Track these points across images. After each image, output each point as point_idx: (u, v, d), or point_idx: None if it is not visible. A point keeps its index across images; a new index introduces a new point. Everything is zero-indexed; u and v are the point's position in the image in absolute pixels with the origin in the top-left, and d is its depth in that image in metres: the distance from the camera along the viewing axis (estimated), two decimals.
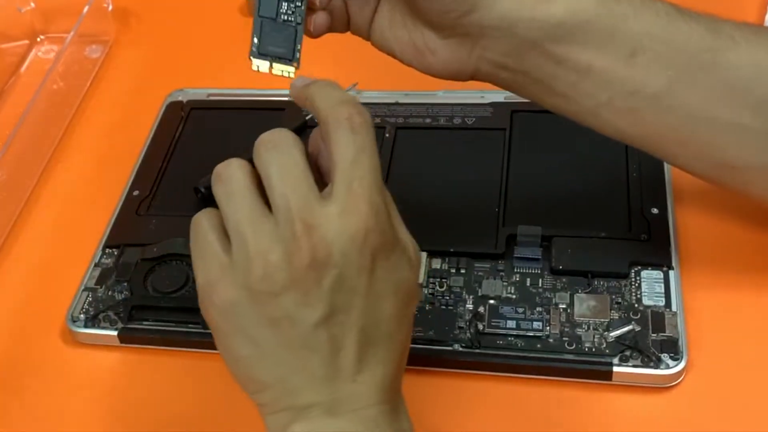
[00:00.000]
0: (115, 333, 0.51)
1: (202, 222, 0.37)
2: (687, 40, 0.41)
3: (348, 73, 0.56)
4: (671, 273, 0.48)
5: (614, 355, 0.45)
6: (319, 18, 0.43)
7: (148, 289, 0.52)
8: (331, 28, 0.44)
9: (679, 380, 0.45)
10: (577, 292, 0.48)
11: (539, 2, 0.40)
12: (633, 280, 0.48)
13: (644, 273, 0.49)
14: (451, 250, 0.51)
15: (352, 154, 0.36)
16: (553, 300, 0.48)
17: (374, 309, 0.36)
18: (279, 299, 0.35)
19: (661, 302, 0.47)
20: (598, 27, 0.40)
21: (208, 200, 0.56)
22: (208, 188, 0.56)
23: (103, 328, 0.51)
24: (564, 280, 0.49)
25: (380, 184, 0.36)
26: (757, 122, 0.41)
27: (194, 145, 0.61)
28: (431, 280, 0.50)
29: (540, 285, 0.49)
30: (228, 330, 0.36)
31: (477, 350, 0.47)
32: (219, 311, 0.36)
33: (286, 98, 0.61)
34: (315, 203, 0.35)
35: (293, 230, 0.34)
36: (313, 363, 0.35)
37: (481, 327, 0.47)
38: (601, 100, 0.42)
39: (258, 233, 0.35)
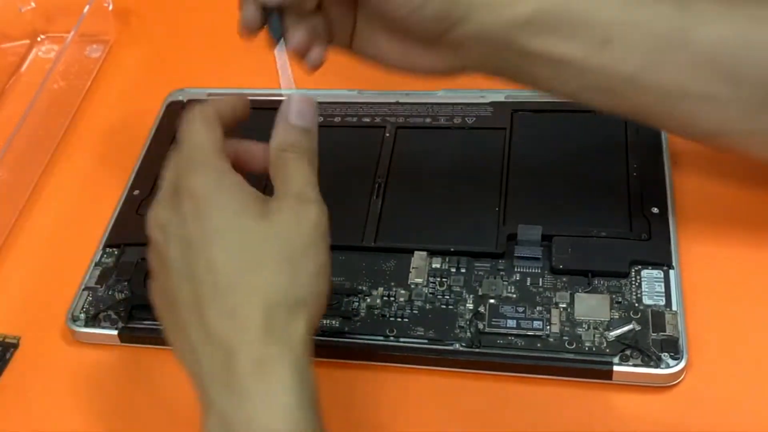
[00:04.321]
0: (115, 332, 0.51)
1: None
2: (655, 21, 0.42)
3: (349, 73, 0.55)
4: (672, 272, 0.48)
5: (614, 355, 0.45)
6: (298, 34, 0.45)
7: (148, 288, 0.51)
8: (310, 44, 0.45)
9: (679, 380, 0.45)
10: (578, 292, 0.48)
11: (509, 5, 0.42)
12: (633, 279, 0.48)
13: (644, 272, 0.48)
14: (451, 249, 0.51)
15: None
16: (554, 299, 0.48)
17: None
18: None
19: (662, 302, 0.47)
20: (567, 20, 0.42)
21: None
22: None
23: (104, 327, 0.51)
24: (564, 279, 0.49)
25: None
26: (733, 92, 0.42)
27: None
28: (431, 279, 0.50)
29: (540, 284, 0.49)
30: None
31: (477, 350, 0.47)
32: None
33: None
34: None
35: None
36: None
37: (481, 326, 0.47)
38: (578, 85, 0.43)
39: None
